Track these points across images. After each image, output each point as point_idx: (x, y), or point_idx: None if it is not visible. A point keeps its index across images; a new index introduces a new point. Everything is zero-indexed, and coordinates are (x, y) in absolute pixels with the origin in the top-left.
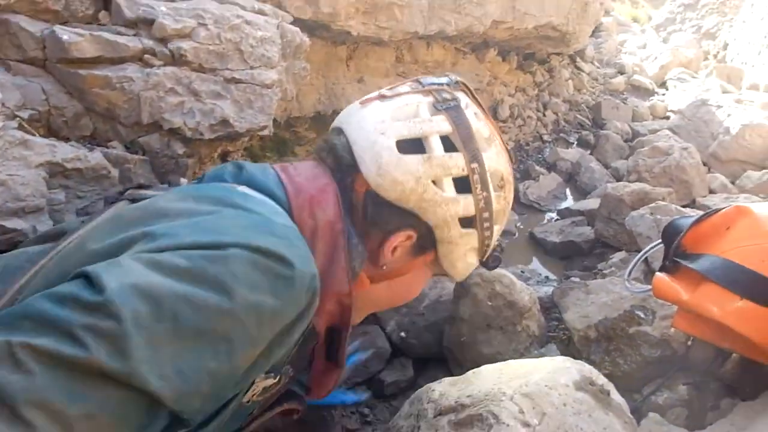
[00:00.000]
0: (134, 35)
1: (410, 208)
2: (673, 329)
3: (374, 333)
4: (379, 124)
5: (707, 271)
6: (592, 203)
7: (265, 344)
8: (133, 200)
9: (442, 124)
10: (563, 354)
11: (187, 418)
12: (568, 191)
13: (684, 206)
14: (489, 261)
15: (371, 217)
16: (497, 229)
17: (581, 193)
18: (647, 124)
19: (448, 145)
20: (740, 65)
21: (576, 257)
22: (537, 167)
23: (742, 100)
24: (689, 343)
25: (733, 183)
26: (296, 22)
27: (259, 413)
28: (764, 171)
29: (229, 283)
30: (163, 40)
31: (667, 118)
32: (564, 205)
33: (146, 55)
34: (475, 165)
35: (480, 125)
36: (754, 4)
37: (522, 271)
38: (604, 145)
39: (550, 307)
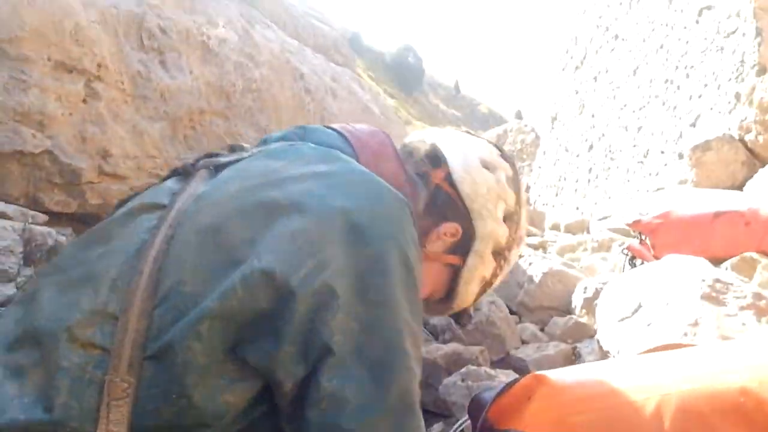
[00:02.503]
0: None
1: (472, 208)
2: None
3: None
4: (466, 140)
5: None
6: None
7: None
8: (216, 168)
9: (507, 167)
10: None
11: None
12: None
13: (499, 360)
14: (466, 314)
15: (440, 202)
16: (497, 282)
17: None
18: None
19: (509, 183)
20: (542, 206)
21: None
22: None
23: (545, 242)
24: None
25: (542, 330)
26: (58, 217)
27: None
28: (569, 317)
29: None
30: None
31: None
32: None
33: None
34: (518, 208)
35: (523, 186)
36: (546, 151)
37: None
38: None
39: None
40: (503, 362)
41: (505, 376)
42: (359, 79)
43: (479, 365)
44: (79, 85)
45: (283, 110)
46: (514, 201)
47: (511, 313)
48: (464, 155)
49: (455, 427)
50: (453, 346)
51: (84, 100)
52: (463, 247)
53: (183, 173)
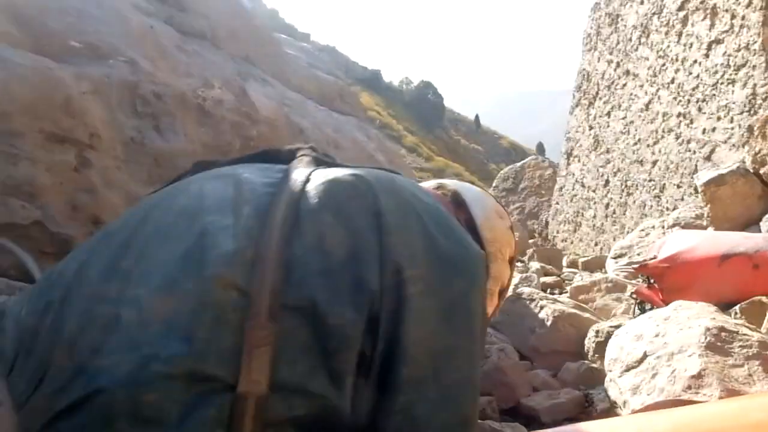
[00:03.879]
0: None
1: (489, 251)
2: None
3: None
4: (479, 190)
5: None
6: None
7: None
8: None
9: (508, 218)
10: None
11: None
12: None
13: (510, 409)
14: None
15: None
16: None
17: None
18: None
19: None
20: (560, 243)
21: None
22: None
23: (562, 281)
24: None
25: (554, 376)
26: None
27: None
28: (581, 362)
29: None
30: None
31: None
32: None
33: None
34: (516, 255)
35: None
36: (563, 187)
37: None
38: None
39: None
40: (514, 411)
41: (510, 429)
42: (366, 127)
43: (486, 417)
44: (70, 155)
45: None
46: (514, 248)
47: (523, 358)
48: (483, 203)
49: None
50: None
51: (75, 169)
52: None
53: (283, 159)
